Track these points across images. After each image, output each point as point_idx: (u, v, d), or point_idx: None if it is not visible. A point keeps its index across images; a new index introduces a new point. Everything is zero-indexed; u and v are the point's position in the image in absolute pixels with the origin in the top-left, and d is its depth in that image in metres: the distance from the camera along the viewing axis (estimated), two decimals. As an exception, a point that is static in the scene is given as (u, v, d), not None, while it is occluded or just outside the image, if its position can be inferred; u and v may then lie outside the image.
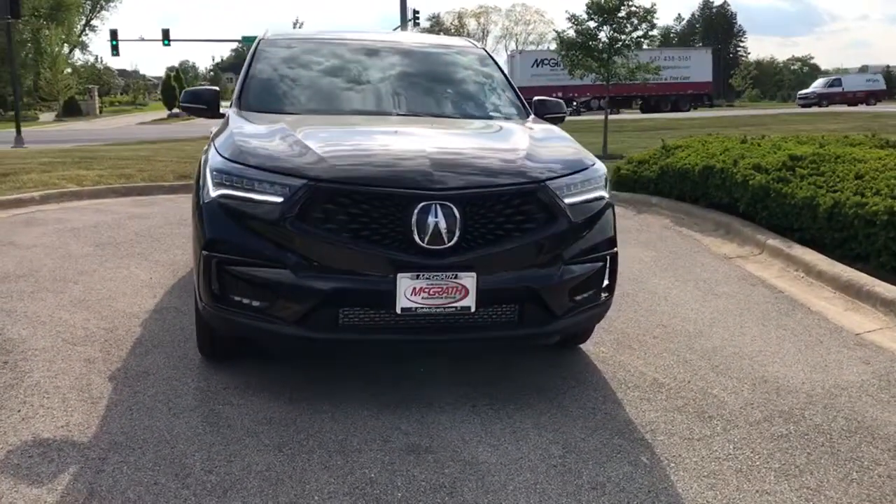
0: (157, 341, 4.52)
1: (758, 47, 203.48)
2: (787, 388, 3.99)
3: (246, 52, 5.52)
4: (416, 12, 43.54)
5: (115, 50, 46.82)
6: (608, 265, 3.88)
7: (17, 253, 6.74)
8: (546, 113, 5.11)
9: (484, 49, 5.53)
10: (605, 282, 3.89)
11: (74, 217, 8.70)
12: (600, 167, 4.02)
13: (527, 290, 3.54)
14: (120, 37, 45.75)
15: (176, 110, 62.06)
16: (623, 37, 16.30)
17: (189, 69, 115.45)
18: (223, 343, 4.08)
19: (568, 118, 5.45)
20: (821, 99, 51.18)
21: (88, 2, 74.40)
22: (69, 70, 63.29)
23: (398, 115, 4.66)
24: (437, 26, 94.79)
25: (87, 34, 74.35)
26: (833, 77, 57.64)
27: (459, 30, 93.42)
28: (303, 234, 3.36)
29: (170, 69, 75.72)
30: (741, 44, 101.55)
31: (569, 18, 16.53)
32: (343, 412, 3.62)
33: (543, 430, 3.47)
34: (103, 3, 74.96)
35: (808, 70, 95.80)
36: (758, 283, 6.08)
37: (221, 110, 4.75)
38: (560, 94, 36.35)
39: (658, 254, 7.12)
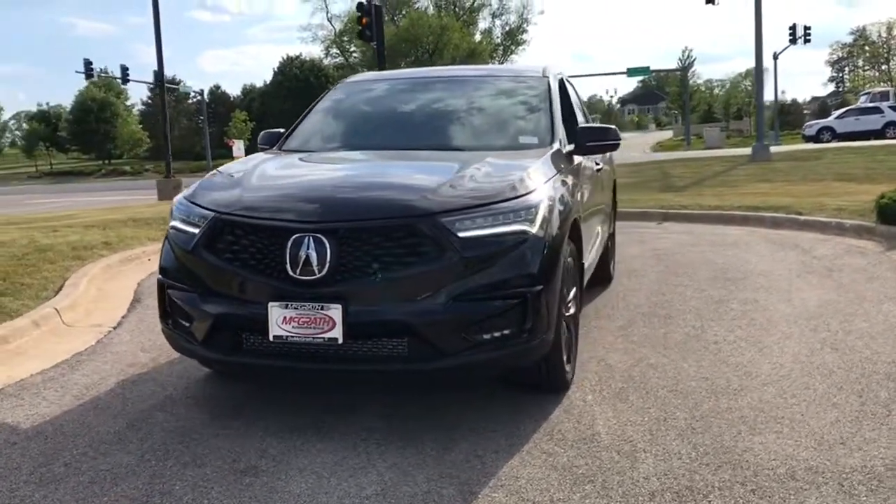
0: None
1: None
2: None
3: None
4: (807, 29, 40.26)
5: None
6: (528, 304, 3.56)
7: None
8: (589, 140, 4.74)
9: (545, 76, 5.26)
10: (527, 322, 3.57)
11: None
12: (530, 201, 3.69)
13: (403, 325, 3.43)
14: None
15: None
16: None
17: (597, 103, 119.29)
18: None
19: None
20: None
21: (501, 47, 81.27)
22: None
23: (395, 149, 4.69)
24: (861, 39, 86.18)
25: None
26: None
27: (888, 43, 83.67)
28: (206, 261, 3.67)
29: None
30: None
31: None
32: (236, 430, 3.75)
33: (389, 471, 3.30)
34: (513, 48, 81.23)
35: None
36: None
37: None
38: None
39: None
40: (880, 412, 3.78)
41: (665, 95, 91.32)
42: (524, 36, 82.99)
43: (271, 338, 3.47)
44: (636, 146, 57.68)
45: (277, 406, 4.04)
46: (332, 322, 3.41)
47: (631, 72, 52.43)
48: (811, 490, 3.04)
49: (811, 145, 34.84)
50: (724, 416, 3.79)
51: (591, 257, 5.16)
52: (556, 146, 4.56)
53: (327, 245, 3.42)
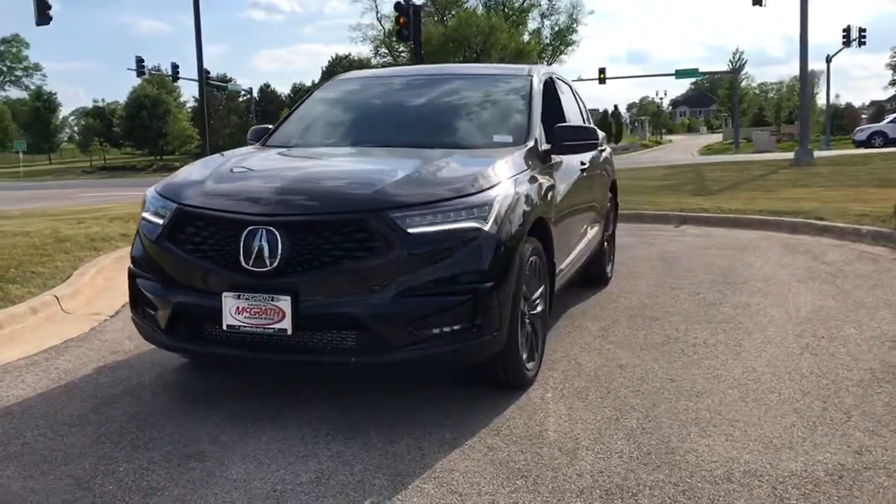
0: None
1: None
2: None
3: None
4: (861, 31, 39.29)
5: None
6: (478, 300, 3.60)
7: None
8: (566, 140, 4.75)
9: (529, 75, 5.27)
10: (477, 318, 3.61)
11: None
12: (485, 198, 3.73)
13: (351, 319, 3.50)
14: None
15: (612, 145, 64.39)
16: None
17: (647, 104, 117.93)
18: None
19: None
20: None
21: (549, 48, 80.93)
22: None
23: (370, 146, 4.75)
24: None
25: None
26: None
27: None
28: (169, 251, 3.78)
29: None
30: None
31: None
32: (195, 416, 3.85)
33: (330, 459, 3.36)
34: (562, 49, 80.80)
35: None
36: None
37: None
38: None
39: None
40: (839, 418, 3.74)
41: (716, 98, 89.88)
42: (573, 36, 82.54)
43: (225, 327, 3.57)
44: (684, 149, 57.17)
45: (242, 395, 4.14)
46: (281, 313, 3.48)
47: (679, 74, 51.78)
48: (743, 492, 3.03)
49: (860, 150, 34.05)
50: (678, 417, 3.78)
51: (571, 257, 5.16)
52: (529, 144, 4.58)
53: (279, 237, 3.50)
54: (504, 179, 3.95)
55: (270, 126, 5.41)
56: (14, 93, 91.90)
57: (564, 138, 4.74)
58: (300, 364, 3.69)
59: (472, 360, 3.81)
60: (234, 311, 3.54)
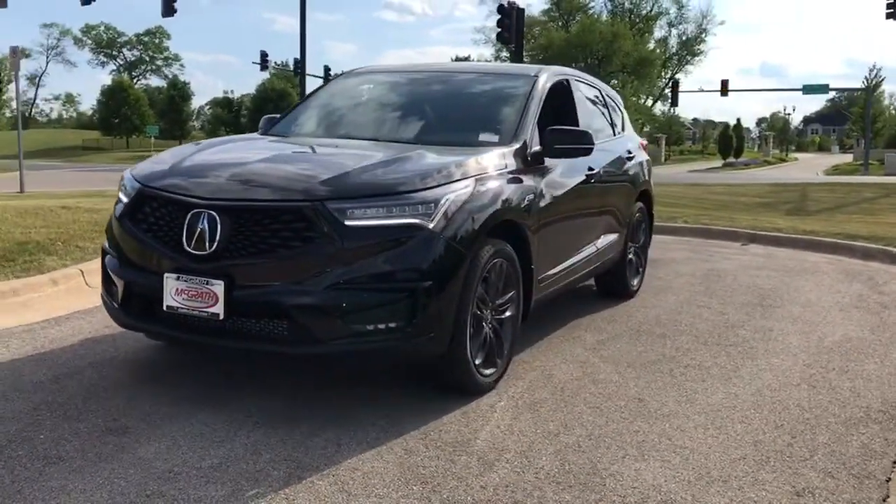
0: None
1: None
2: None
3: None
4: None
5: (673, 100, 49.12)
6: (415, 299, 3.52)
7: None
8: (558, 143, 4.58)
9: (536, 76, 5.10)
10: (414, 318, 3.53)
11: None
12: (432, 195, 3.63)
13: (281, 308, 3.49)
14: (686, 88, 48.18)
15: (731, 159, 62.20)
16: None
17: (776, 120, 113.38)
18: None
19: None
20: None
21: (675, 56, 78.98)
22: (637, 120, 67.99)
23: (352, 138, 4.73)
24: None
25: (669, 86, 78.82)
26: None
27: None
28: (128, 230, 3.88)
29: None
30: None
31: None
32: (143, 392, 3.91)
33: (243, 447, 3.35)
34: (689, 58, 78.75)
35: None
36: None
37: None
38: None
39: None
40: (800, 455, 3.46)
41: (850, 115, 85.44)
42: (701, 46, 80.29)
43: (164, 307, 3.62)
44: (808, 168, 54.63)
45: (202, 376, 4.19)
46: (215, 297, 3.50)
47: (807, 89, 49.40)
48: (645, 523, 2.83)
49: None
50: (623, 438, 3.58)
51: (564, 265, 4.97)
52: (515, 146, 4.44)
53: (218, 222, 3.52)
54: (464, 178, 3.84)
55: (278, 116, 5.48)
56: (154, 81, 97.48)
57: (554, 141, 4.57)
58: (233, 349, 3.70)
59: (408, 359, 3.73)
60: (173, 292, 3.58)
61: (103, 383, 4.04)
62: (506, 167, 4.21)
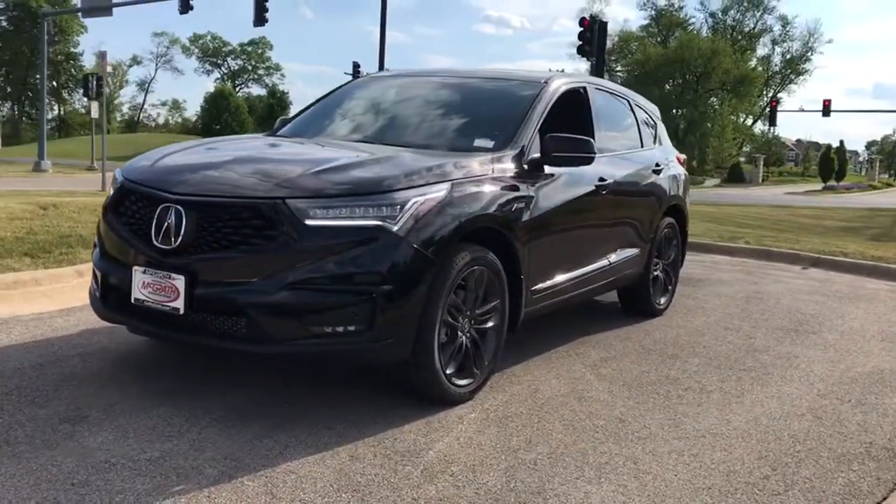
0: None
1: None
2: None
3: None
4: None
5: (772, 120, 47.79)
6: (375, 303, 3.44)
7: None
8: (556, 151, 4.42)
9: (545, 83, 4.95)
10: (374, 322, 3.45)
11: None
12: (399, 197, 3.55)
13: (237, 306, 3.46)
14: (786, 107, 46.75)
15: (832, 182, 59.72)
16: None
17: (887, 144, 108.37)
18: None
19: None
20: None
21: (779, 75, 76.59)
22: (734, 139, 66.19)
23: (345, 140, 4.71)
24: None
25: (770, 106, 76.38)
26: None
27: None
28: (109, 223, 3.96)
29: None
30: None
31: None
32: (115, 383, 3.94)
33: (189, 444, 3.34)
34: (792, 77, 76.25)
35: None
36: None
37: None
38: None
39: None
40: (773, 490, 3.22)
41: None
42: (807, 65, 77.66)
43: (133, 300, 3.65)
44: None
45: (183, 371, 4.21)
46: (176, 292, 3.51)
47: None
48: (572, 549, 2.67)
49: None
50: (585, 459, 3.41)
51: (564, 278, 4.79)
52: (511, 152, 4.32)
53: (184, 217, 3.53)
54: (439, 181, 3.75)
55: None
56: (256, 90, 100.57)
57: (553, 149, 4.42)
58: (199, 345, 3.70)
59: (367, 364, 3.65)
60: (140, 285, 3.61)
61: (83, 373, 4.10)
62: (493, 173, 4.09)
